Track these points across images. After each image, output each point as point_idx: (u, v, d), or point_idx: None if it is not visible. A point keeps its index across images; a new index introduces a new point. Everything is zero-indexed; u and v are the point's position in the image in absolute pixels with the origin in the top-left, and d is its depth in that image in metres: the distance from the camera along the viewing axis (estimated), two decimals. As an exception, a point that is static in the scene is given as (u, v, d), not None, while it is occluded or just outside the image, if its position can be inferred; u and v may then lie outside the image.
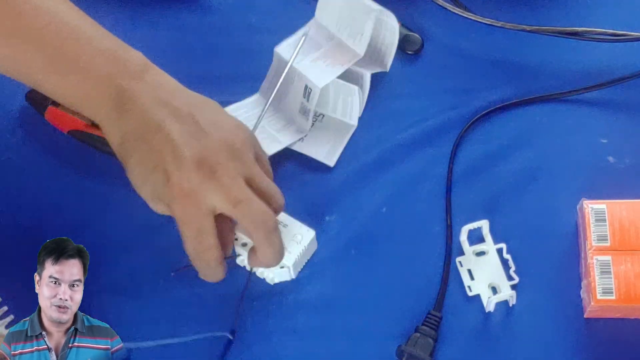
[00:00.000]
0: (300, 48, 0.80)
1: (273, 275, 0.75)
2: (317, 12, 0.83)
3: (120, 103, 0.67)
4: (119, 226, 0.76)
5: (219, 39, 0.87)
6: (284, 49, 0.81)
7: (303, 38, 0.81)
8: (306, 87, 0.79)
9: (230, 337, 0.73)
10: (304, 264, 0.76)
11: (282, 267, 0.74)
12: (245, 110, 0.82)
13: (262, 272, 0.75)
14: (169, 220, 0.77)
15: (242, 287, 0.74)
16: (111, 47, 0.69)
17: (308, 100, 0.80)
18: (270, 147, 0.80)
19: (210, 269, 0.67)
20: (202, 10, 0.89)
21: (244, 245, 0.75)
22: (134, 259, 0.77)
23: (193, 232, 0.65)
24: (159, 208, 0.67)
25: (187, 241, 0.66)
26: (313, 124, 0.82)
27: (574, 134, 0.81)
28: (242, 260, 0.75)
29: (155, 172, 0.65)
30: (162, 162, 0.65)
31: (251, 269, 0.75)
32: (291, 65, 0.80)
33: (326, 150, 0.81)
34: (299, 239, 0.75)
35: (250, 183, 0.66)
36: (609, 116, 0.82)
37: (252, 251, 0.69)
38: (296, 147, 0.81)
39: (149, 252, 0.77)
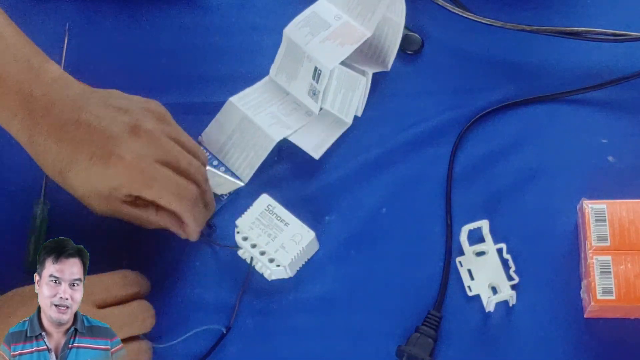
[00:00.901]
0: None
1: (270, 272, 0.75)
2: None
3: (32, 112, 0.69)
4: (119, 226, 0.76)
5: (219, 39, 0.87)
6: (293, 30, 0.81)
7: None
8: (316, 68, 0.79)
9: (224, 331, 0.73)
10: (302, 263, 0.76)
11: (278, 266, 0.74)
12: (256, 96, 0.82)
13: (260, 267, 0.76)
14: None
15: (242, 282, 0.75)
16: (27, 56, 0.71)
17: (318, 82, 0.79)
18: (280, 133, 0.80)
19: (197, 207, 0.72)
20: (202, 10, 0.89)
21: (245, 239, 0.75)
22: (134, 259, 0.77)
23: (161, 186, 0.70)
24: (110, 205, 0.71)
25: (166, 198, 0.71)
26: (321, 108, 0.82)
27: (574, 134, 0.81)
28: (244, 252, 0.76)
29: (93, 163, 0.68)
30: (96, 149, 0.69)
31: (251, 262, 0.75)
32: (300, 46, 0.79)
33: (315, 143, 0.80)
34: (298, 239, 0.75)
35: (176, 142, 0.72)
36: (609, 116, 0.82)
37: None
38: (286, 135, 0.81)
39: (149, 252, 0.77)
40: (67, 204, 0.79)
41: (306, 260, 0.77)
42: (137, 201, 0.72)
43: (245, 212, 0.76)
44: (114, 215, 0.73)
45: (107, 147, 0.69)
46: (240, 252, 0.76)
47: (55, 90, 0.71)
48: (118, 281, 0.70)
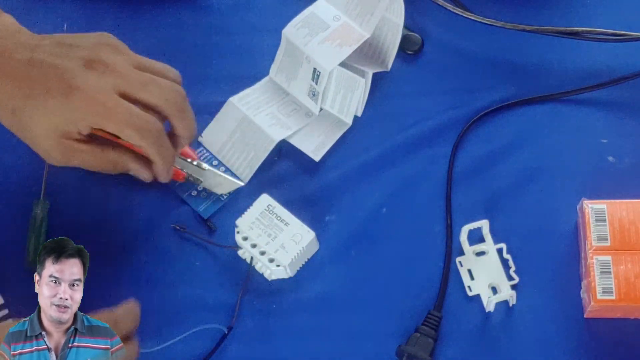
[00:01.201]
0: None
1: (270, 272, 0.75)
2: None
3: None
4: (119, 226, 0.76)
5: (219, 39, 0.87)
6: (291, 30, 0.81)
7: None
8: (315, 70, 0.79)
9: (225, 331, 0.73)
10: (302, 263, 0.76)
11: (278, 266, 0.74)
12: (256, 96, 0.82)
13: (260, 267, 0.76)
14: (169, 219, 0.78)
15: (242, 282, 0.75)
16: None
17: (317, 83, 0.80)
18: (280, 133, 0.80)
19: (162, 145, 0.71)
20: (202, 10, 0.89)
21: (245, 239, 0.75)
22: (134, 259, 0.77)
23: (122, 118, 0.68)
24: (66, 147, 0.69)
25: (126, 131, 0.68)
26: (321, 109, 0.82)
27: (574, 134, 0.81)
28: (244, 252, 0.76)
29: (50, 97, 0.67)
30: (51, 85, 0.67)
31: (251, 262, 0.75)
32: (299, 48, 0.79)
33: (315, 145, 0.80)
34: (298, 238, 0.75)
35: (142, 69, 0.70)
36: (609, 116, 0.82)
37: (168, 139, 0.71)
38: (286, 137, 0.81)
39: (149, 252, 0.77)
40: (67, 204, 0.79)
41: (306, 260, 0.77)
42: (92, 139, 0.70)
43: (245, 212, 0.76)
44: (70, 162, 0.71)
45: (63, 81, 0.68)
46: (240, 252, 0.76)
47: (7, 37, 0.70)
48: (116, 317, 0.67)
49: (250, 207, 0.76)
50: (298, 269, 0.76)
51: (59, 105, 0.67)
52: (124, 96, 0.69)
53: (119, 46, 0.72)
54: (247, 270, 0.75)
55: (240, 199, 0.79)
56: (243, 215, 0.76)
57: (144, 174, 0.73)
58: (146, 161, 0.73)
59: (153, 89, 0.70)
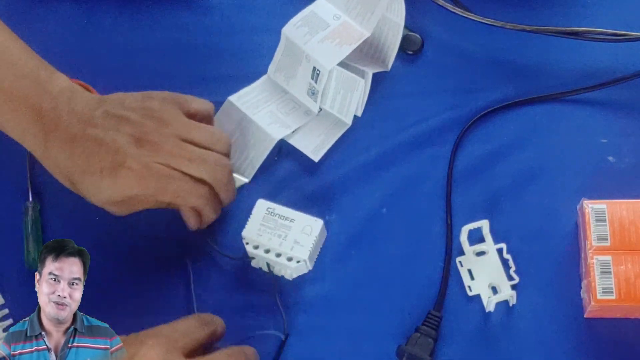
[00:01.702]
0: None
1: (291, 271, 0.75)
2: None
3: (43, 127, 0.71)
4: (119, 226, 0.76)
5: (219, 39, 0.87)
6: (291, 29, 0.81)
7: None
8: (314, 68, 0.79)
9: (283, 338, 0.73)
10: (317, 253, 0.76)
11: (298, 262, 0.74)
12: (254, 95, 0.82)
13: (279, 270, 0.75)
14: (170, 220, 0.78)
15: (271, 289, 0.75)
16: (34, 70, 0.72)
17: (316, 82, 0.79)
18: (280, 132, 0.80)
19: (213, 200, 0.74)
20: (202, 10, 0.89)
21: (256, 247, 0.75)
22: (136, 259, 0.77)
23: (177, 188, 0.71)
24: (128, 208, 0.72)
25: (181, 198, 0.72)
26: (321, 109, 0.82)
27: (574, 134, 0.81)
28: (257, 262, 0.76)
29: (104, 176, 0.70)
30: (104, 163, 0.70)
31: (268, 268, 0.75)
32: (299, 46, 0.79)
33: (314, 145, 0.80)
34: (308, 230, 0.75)
35: (188, 139, 0.72)
36: (609, 116, 0.82)
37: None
38: (286, 137, 0.81)
39: (149, 251, 0.77)
40: (62, 203, 0.79)
41: (320, 249, 0.76)
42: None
43: (247, 222, 0.76)
44: (135, 211, 0.73)
45: (115, 159, 0.70)
46: (253, 263, 0.76)
47: (62, 104, 0.72)
48: (194, 323, 0.69)
49: (251, 216, 0.76)
50: (315, 260, 0.76)
51: (112, 184, 0.70)
52: (173, 168, 0.72)
53: (164, 117, 0.73)
54: (271, 278, 0.75)
55: (240, 199, 0.79)
56: (247, 226, 0.76)
57: (192, 222, 0.75)
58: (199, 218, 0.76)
59: (199, 165, 0.72)
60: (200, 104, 0.77)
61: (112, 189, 0.71)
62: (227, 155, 0.76)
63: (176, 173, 0.71)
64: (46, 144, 0.71)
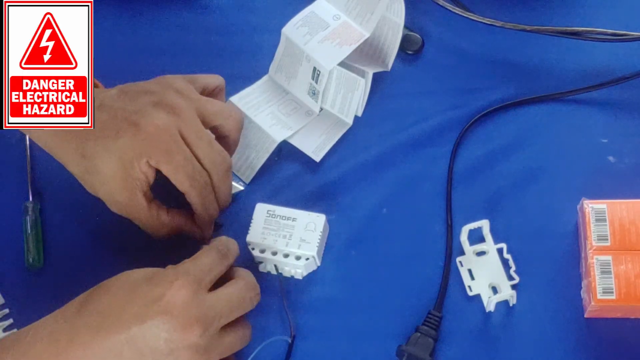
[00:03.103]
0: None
1: (301, 269, 0.75)
2: None
3: None
4: (119, 226, 0.76)
5: (219, 39, 0.87)
6: (291, 29, 0.81)
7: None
8: (314, 69, 0.79)
9: (289, 341, 0.73)
10: (323, 248, 0.76)
11: (307, 259, 0.74)
12: (255, 96, 0.82)
13: (289, 271, 0.76)
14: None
15: (276, 292, 0.75)
16: None
17: (317, 83, 0.79)
18: (281, 134, 0.80)
19: (207, 197, 0.73)
20: (202, 10, 0.89)
21: (263, 251, 0.75)
22: (137, 261, 0.77)
23: (179, 162, 0.70)
24: (129, 196, 0.71)
25: (179, 176, 0.70)
26: (321, 109, 0.82)
27: (574, 134, 0.81)
28: (264, 266, 0.76)
29: (120, 136, 0.69)
30: (121, 125, 0.69)
31: (277, 271, 0.75)
32: (299, 46, 0.79)
33: (315, 145, 0.80)
34: (312, 227, 0.75)
35: (200, 112, 0.72)
36: (609, 116, 0.82)
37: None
38: (287, 138, 0.81)
39: (151, 254, 0.77)
40: (62, 203, 0.79)
41: (325, 243, 0.77)
42: (153, 200, 0.73)
43: (250, 227, 0.76)
44: (127, 211, 0.72)
45: (132, 120, 0.69)
46: (261, 267, 0.76)
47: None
48: (215, 259, 0.68)
49: (252, 221, 0.76)
50: (322, 255, 0.76)
51: (128, 142, 0.69)
52: (184, 136, 0.71)
53: (182, 88, 0.73)
54: (278, 280, 0.75)
55: (240, 200, 0.79)
56: (250, 231, 0.76)
57: (193, 233, 0.75)
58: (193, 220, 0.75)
59: (205, 147, 0.72)
60: (211, 79, 0.77)
61: (125, 151, 0.69)
62: (238, 131, 0.75)
63: (186, 149, 0.70)
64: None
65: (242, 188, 0.80)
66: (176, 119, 0.70)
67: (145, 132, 0.69)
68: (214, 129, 0.74)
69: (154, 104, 0.70)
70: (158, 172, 0.71)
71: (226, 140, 0.75)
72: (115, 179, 0.70)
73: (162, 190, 0.73)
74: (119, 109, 0.70)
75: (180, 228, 0.75)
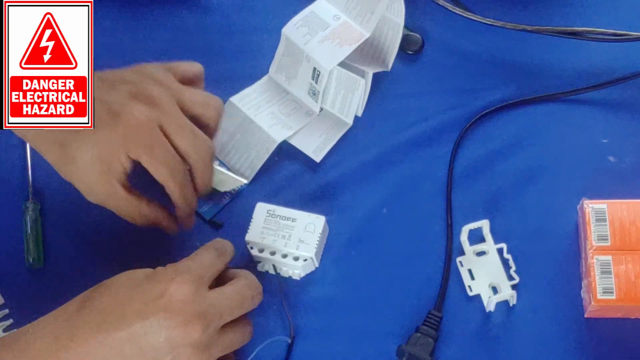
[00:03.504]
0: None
1: (299, 270, 0.75)
2: None
3: None
4: (118, 227, 0.76)
5: (219, 39, 0.87)
6: (291, 29, 0.81)
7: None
8: (314, 69, 0.79)
9: (289, 341, 0.73)
10: (322, 249, 0.76)
11: (305, 261, 0.74)
12: (256, 96, 0.83)
13: (287, 272, 0.76)
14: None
15: (276, 292, 0.75)
16: None
17: (317, 83, 0.79)
18: (281, 134, 0.80)
19: (186, 187, 0.72)
20: (202, 10, 0.89)
21: (262, 250, 0.75)
22: (138, 261, 0.77)
23: (159, 154, 0.69)
24: (108, 186, 0.70)
25: (159, 168, 0.70)
26: (321, 109, 0.82)
27: (574, 134, 0.81)
28: (263, 266, 0.76)
29: (98, 129, 0.68)
30: (100, 116, 0.68)
31: (275, 271, 0.75)
32: (299, 46, 0.79)
33: (315, 146, 0.81)
34: (312, 228, 0.75)
35: (180, 101, 0.71)
36: (609, 116, 0.82)
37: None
38: (287, 138, 0.81)
39: (151, 254, 0.77)
40: (62, 203, 0.79)
41: (324, 245, 0.77)
42: (132, 190, 0.72)
43: (249, 227, 0.76)
44: (107, 202, 0.71)
45: (110, 111, 0.69)
46: (259, 267, 0.76)
47: None
48: (214, 255, 0.68)
49: (252, 220, 0.76)
50: (321, 257, 0.76)
51: (106, 135, 0.69)
52: (162, 132, 0.70)
53: (161, 78, 0.72)
54: (277, 280, 0.75)
55: (241, 200, 0.79)
56: (249, 230, 0.76)
57: (170, 229, 0.75)
58: (174, 219, 0.75)
59: (188, 136, 0.71)
60: (190, 66, 0.76)
61: (103, 143, 0.68)
62: (218, 120, 0.75)
63: (165, 141, 0.70)
64: None
65: (245, 181, 0.80)
66: (156, 111, 0.70)
67: (124, 126, 0.68)
68: (193, 118, 0.73)
69: (133, 95, 0.70)
70: (137, 162, 0.70)
71: (207, 129, 0.74)
72: (93, 171, 0.70)
73: (142, 179, 0.72)
74: (97, 99, 0.69)
75: (159, 220, 0.74)
